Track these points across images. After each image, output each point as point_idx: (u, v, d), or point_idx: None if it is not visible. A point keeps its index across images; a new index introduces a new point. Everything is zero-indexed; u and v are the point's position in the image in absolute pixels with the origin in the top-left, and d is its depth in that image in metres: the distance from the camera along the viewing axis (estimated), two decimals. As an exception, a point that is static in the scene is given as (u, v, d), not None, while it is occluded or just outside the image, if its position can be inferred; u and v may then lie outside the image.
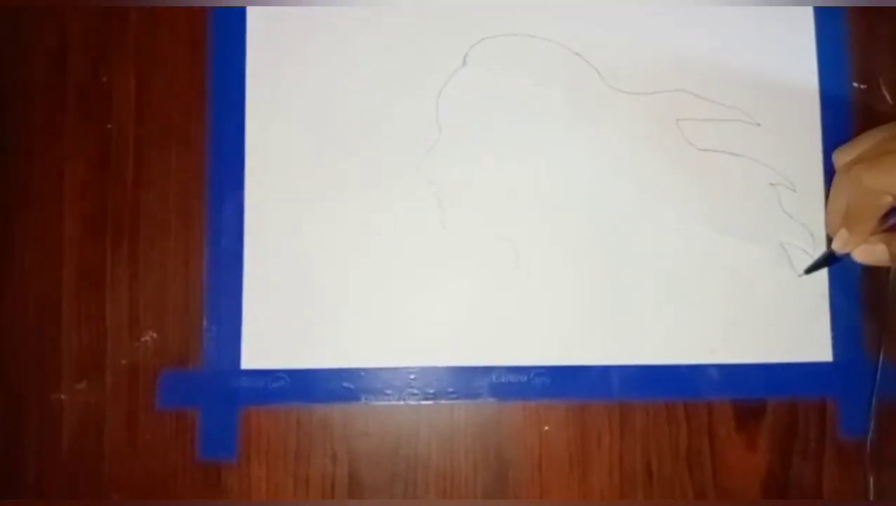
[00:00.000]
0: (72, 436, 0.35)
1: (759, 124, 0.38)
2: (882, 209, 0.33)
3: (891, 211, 0.33)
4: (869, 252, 0.34)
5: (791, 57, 0.39)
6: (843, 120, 0.38)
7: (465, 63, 0.37)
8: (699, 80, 0.38)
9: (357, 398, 0.35)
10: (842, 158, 0.35)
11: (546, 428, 0.36)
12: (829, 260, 0.36)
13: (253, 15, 0.37)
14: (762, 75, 0.38)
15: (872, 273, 0.37)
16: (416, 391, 0.36)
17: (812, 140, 0.38)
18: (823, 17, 0.39)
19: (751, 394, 0.37)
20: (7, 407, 0.35)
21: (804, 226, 0.37)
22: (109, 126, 0.36)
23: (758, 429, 0.37)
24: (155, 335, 0.35)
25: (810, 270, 0.37)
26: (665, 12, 0.38)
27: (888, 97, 0.39)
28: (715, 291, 0.37)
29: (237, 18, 0.37)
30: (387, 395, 0.35)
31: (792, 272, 0.37)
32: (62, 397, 0.35)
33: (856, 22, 0.39)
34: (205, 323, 0.35)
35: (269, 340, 0.35)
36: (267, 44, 0.37)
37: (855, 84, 0.39)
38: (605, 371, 0.36)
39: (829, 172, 0.37)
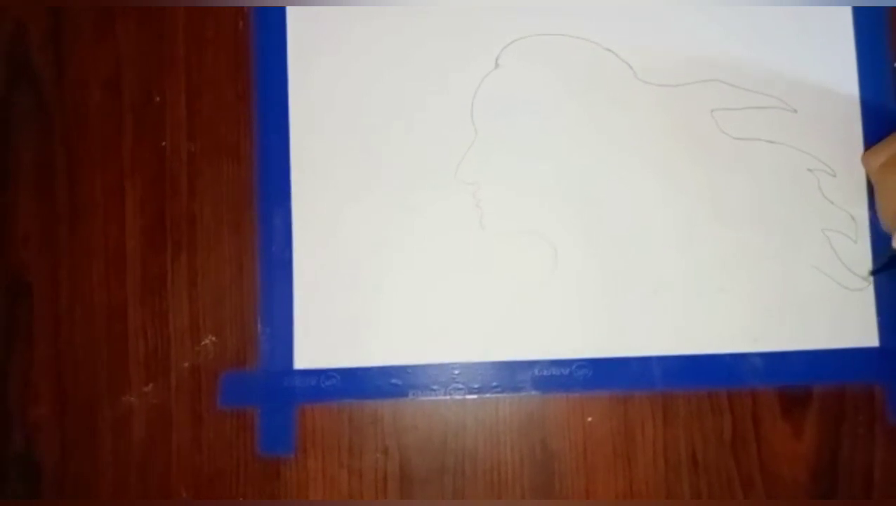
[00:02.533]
0: (141, 435, 0.36)
1: (795, 111, 0.37)
2: None
3: None
4: None
5: (827, 40, 0.37)
6: (882, 102, 0.37)
7: (497, 65, 0.37)
8: (732, 70, 0.37)
9: (405, 394, 0.36)
10: (874, 160, 0.33)
11: (589, 419, 0.36)
12: (894, 260, 0.34)
13: (292, 33, 0.37)
14: (797, 61, 0.37)
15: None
16: (461, 386, 0.36)
17: (852, 124, 0.37)
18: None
19: (795, 381, 0.36)
20: (83, 410, 0.36)
21: (845, 211, 0.36)
22: (164, 143, 0.37)
23: (804, 416, 0.36)
24: (214, 339, 0.36)
25: (877, 271, 0.35)
26: (694, 3, 0.37)
27: (930, 76, 0.37)
28: (756, 280, 0.36)
29: (278, 36, 0.37)
30: (433, 390, 0.36)
31: (834, 257, 0.36)
32: (132, 399, 0.36)
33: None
34: (259, 326, 0.36)
35: (319, 341, 0.36)
36: (306, 59, 0.37)
37: (895, 65, 0.37)
38: (646, 362, 0.36)
39: (870, 156, 0.35)
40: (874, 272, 0.35)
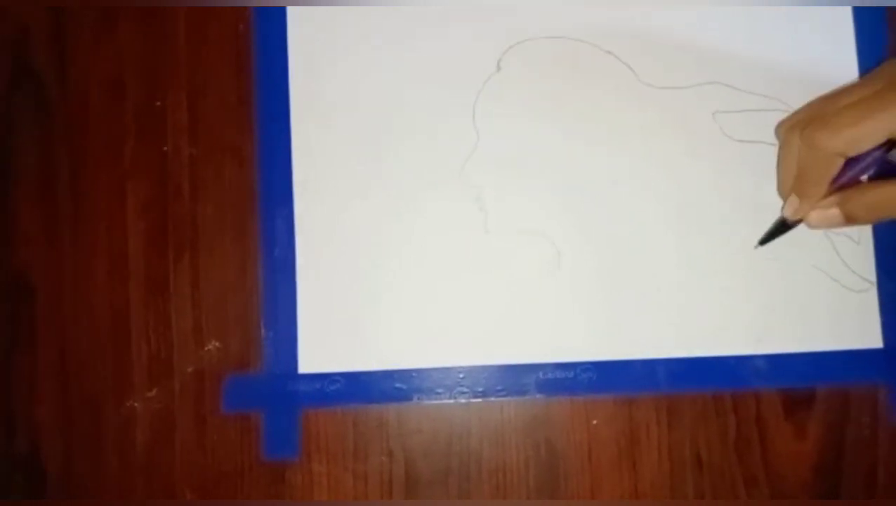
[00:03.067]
0: (145, 440, 0.36)
1: (798, 113, 0.36)
2: (834, 170, 0.31)
3: (841, 172, 0.31)
4: (822, 217, 0.32)
5: (828, 43, 0.37)
6: (885, 103, 0.37)
7: (499, 68, 0.37)
8: (734, 72, 0.37)
9: (410, 398, 0.35)
10: (784, 126, 0.33)
11: (594, 422, 0.36)
12: (783, 228, 0.34)
13: (293, 34, 0.37)
14: (799, 64, 0.37)
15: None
16: (465, 390, 0.36)
17: (854, 125, 0.36)
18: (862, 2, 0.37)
19: (799, 382, 0.36)
20: (86, 415, 0.36)
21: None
22: (165, 148, 0.37)
23: (808, 417, 0.36)
24: (217, 343, 0.36)
25: (764, 240, 0.35)
26: (696, 4, 0.37)
27: (932, 77, 0.37)
28: (758, 282, 0.36)
29: (278, 36, 0.37)
30: (438, 394, 0.36)
31: (837, 258, 0.36)
32: (135, 404, 0.36)
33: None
34: (263, 330, 0.36)
35: (323, 345, 0.36)
36: (308, 60, 0.37)
37: None
38: (650, 365, 0.35)
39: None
40: (762, 241, 0.35)
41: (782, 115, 0.36)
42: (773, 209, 0.35)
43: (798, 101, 0.36)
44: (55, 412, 0.36)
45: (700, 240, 0.36)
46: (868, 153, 0.30)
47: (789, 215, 0.33)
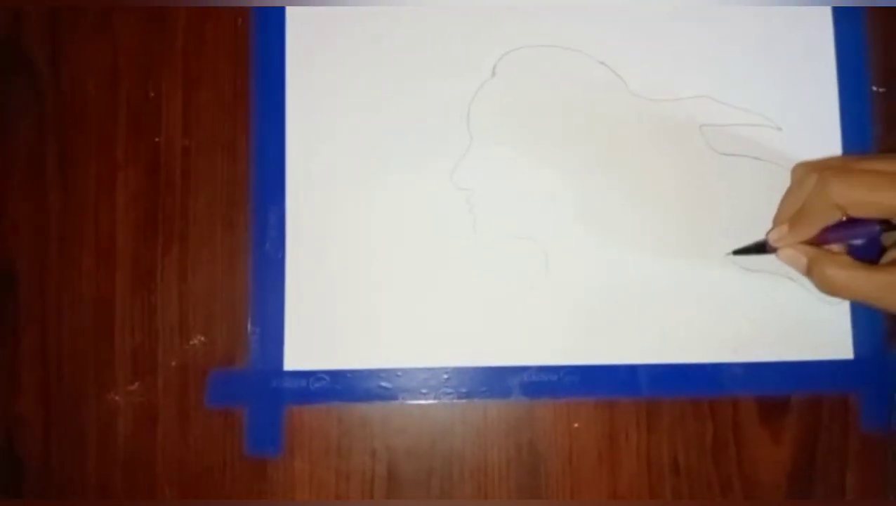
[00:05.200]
0: (127, 434, 0.34)
1: (780, 129, 0.37)
2: (830, 221, 0.31)
3: (835, 226, 0.31)
4: (792, 257, 0.32)
5: (811, 62, 0.37)
6: (862, 123, 0.37)
7: (494, 74, 0.36)
8: (721, 86, 0.37)
9: (394, 397, 0.35)
10: (804, 166, 0.33)
11: (576, 425, 0.35)
12: (759, 248, 0.34)
13: (292, 31, 0.36)
14: (783, 82, 0.37)
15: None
16: (450, 390, 0.35)
17: (832, 143, 0.37)
18: (842, 22, 0.38)
19: (774, 390, 0.36)
20: (67, 407, 0.34)
21: (825, 227, 0.36)
22: (158, 139, 0.36)
23: (782, 424, 0.36)
24: (203, 338, 0.35)
25: (739, 252, 0.35)
26: (688, 19, 0.37)
27: (906, 100, 0.37)
28: (736, 292, 0.36)
29: (277, 34, 0.36)
30: (423, 394, 0.35)
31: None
32: (117, 397, 0.34)
33: (874, 26, 0.38)
34: (249, 326, 0.35)
35: (310, 342, 0.35)
36: (305, 59, 0.36)
37: (874, 88, 0.37)
38: (632, 370, 0.35)
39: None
40: (737, 252, 0.35)
41: (766, 130, 0.37)
42: (752, 223, 0.35)
43: (781, 118, 0.37)
44: (35, 404, 0.34)
45: (682, 250, 0.36)
46: (865, 224, 0.31)
47: (772, 240, 0.33)
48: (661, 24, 0.37)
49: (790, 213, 0.32)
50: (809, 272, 0.32)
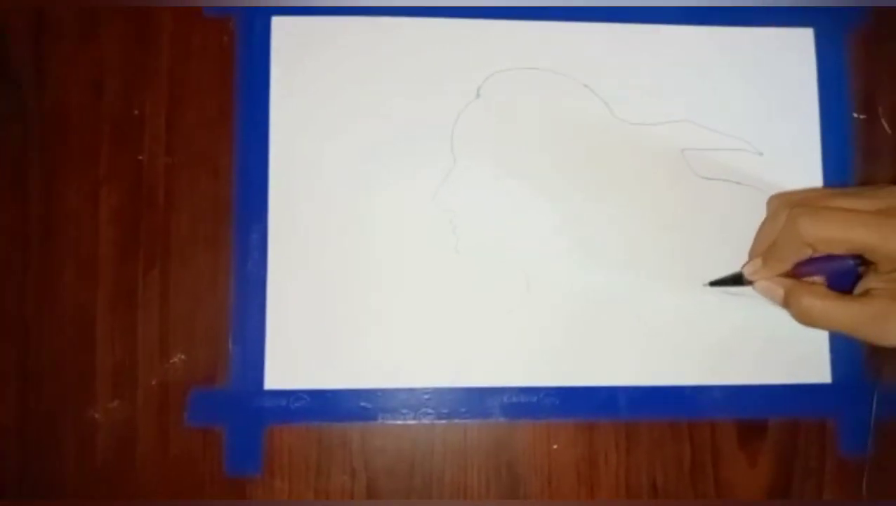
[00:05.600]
0: (105, 452, 0.34)
1: (761, 154, 0.37)
2: (801, 257, 0.31)
3: (809, 260, 0.31)
4: (768, 289, 0.33)
5: (792, 88, 0.38)
6: (842, 149, 0.37)
7: (478, 95, 0.36)
8: (704, 111, 0.37)
9: (374, 417, 0.35)
10: (779, 199, 0.33)
11: (555, 446, 0.35)
12: (736, 280, 0.34)
13: (276, 50, 0.36)
14: (764, 106, 0.37)
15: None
16: (430, 411, 0.35)
17: (813, 169, 0.37)
18: (824, 48, 0.38)
19: (752, 414, 0.36)
20: (45, 424, 0.34)
21: (805, 252, 0.36)
22: (141, 157, 0.36)
23: (760, 447, 0.36)
24: (183, 356, 0.35)
25: (716, 283, 0.35)
26: (670, 44, 0.37)
27: (887, 127, 0.38)
28: (716, 316, 0.36)
29: (261, 53, 0.36)
30: (403, 414, 0.35)
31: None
32: (96, 415, 0.34)
33: (856, 52, 0.38)
34: (230, 345, 0.35)
35: (290, 362, 0.35)
36: (289, 81, 0.36)
37: (855, 114, 0.38)
38: (612, 392, 0.35)
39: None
40: (713, 283, 0.35)
41: (748, 155, 0.37)
42: (732, 246, 0.35)
43: (762, 143, 0.37)
44: (12, 420, 0.34)
45: (662, 273, 0.36)
46: (838, 258, 0.31)
47: (747, 273, 0.33)
48: (644, 48, 0.37)
49: (764, 246, 0.32)
50: (786, 304, 0.32)
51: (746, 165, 0.37)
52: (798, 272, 0.32)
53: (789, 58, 0.38)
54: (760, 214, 0.36)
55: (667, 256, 0.36)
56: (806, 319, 0.31)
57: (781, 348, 0.36)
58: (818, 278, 0.32)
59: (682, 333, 0.36)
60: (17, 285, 0.35)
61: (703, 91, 0.37)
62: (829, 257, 0.31)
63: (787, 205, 0.31)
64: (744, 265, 0.34)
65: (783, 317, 0.36)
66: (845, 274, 0.31)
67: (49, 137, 0.36)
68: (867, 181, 0.37)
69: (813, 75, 0.37)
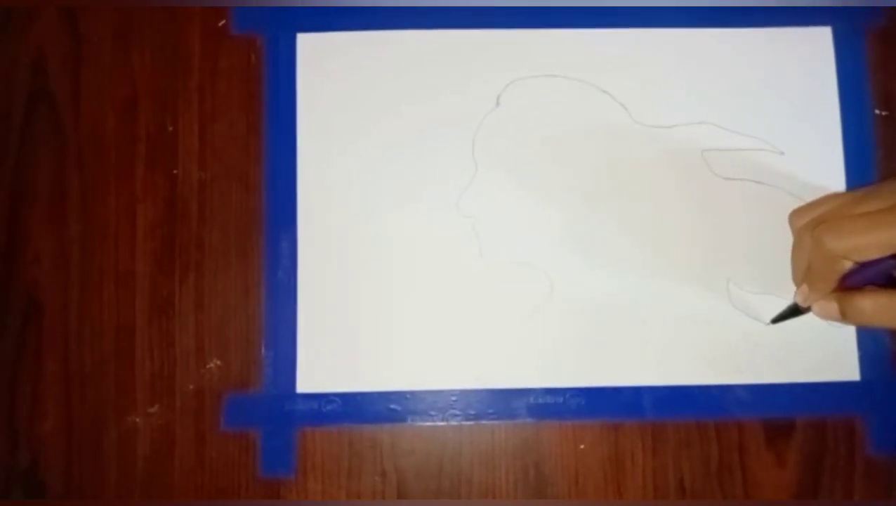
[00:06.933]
0: (146, 455, 0.35)
1: (782, 153, 0.37)
2: (840, 272, 0.31)
3: (851, 272, 0.31)
4: (824, 309, 0.32)
5: (812, 86, 0.37)
6: (864, 146, 0.37)
7: (498, 104, 0.37)
8: (723, 112, 0.37)
9: (403, 419, 0.35)
10: (799, 219, 0.33)
11: (582, 446, 0.35)
12: (794, 311, 0.34)
13: (302, 67, 0.37)
14: (784, 105, 0.37)
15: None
16: (458, 412, 0.35)
17: (835, 167, 0.37)
18: (843, 45, 0.38)
19: (780, 413, 0.36)
20: (88, 430, 0.36)
21: (828, 249, 0.36)
22: (175, 172, 0.37)
23: (787, 446, 0.36)
24: (219, 362, 0.36)
25: (777, 319, 0.35)
26: (688, 47, 0.37)
27: (909, 123, 0.37)
28: (740, 314, 0.36)
29: (288, 69, 0.37)
30: (431, 416, 0.35)
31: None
32: (137, 420, 0.35)
33: (874, 49, 0.38)
34: (263, 350, 0.36)
35: (321, 366, 0.35)
36: (315, 95, 0.37)
37: (876, 111, 0.37)
38: (637, 392, 0.35)
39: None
40: (774, 320, 0.35)
41: (769, 155, 0.37)
42: (754, 246, 0.35)
43: (783, 143, 0.37)
44: (57, 427, 0.36)
45: (686, 273, 0.36)
46: (879, 261, 0.30)
47: (799, 302, 0.33)
48: (662, 51, 0.37)
49: (802, 271, 0.32)
50: (843, 315, 0.31)
51: (768, 164, 0.37)
52: (845, 286, 0.31)
53: (808, 57, 0.38)
54: (782, 213, 0.36)
55: (690, 256, 0.36)
56: (863, 319, 0.31)
57: (808, 346, 0.36)
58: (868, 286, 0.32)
59: (706, 332, 0.36)
60: (59, 299, 0.36)
61: (722, 93, 0.37)
62: (869, 264, 0.30)
63: (809, 226, 0.31)
64: (795, 294, 0.33)
65: (810, 315, 0.35)
66: (889, 274, 0.31)
67: (86, 156, 0.37)
68: (890, 177, 0.37)
69: (832, 74, 0.37)
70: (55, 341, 0.36)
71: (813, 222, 0.31)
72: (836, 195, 0.32)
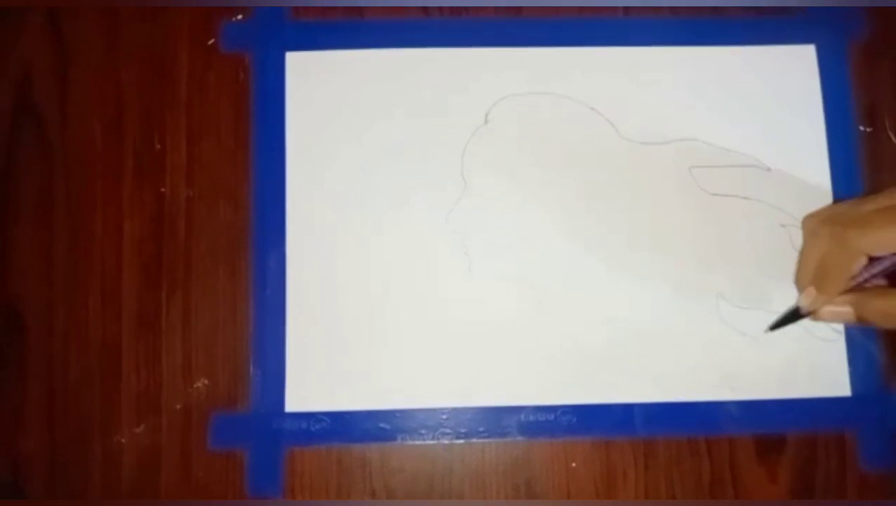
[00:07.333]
0: (131, 475, 0.35)
1: (769, 169, 0.37)
2: (856, 268, 0.31)
3: (862, 270, 0.31)
4: (835, 313, 0.32)
5: (798, 104, 0.38)
6: (850, 162, 0.37)
7: (486, 121, 0.37)
8: (710, 130, 0.37)
9: (393, 438, 0.35)
10: (814, 218, 0.33)
11: (573, 464, 0.35)
12: (794, 316, 0.33)
13: (291, 84, 0.37)
14: (771, 122, 0.38)
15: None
16: (448, 431, 0.35)
17: (821, 182, 0.37)
18: (826, 62, 0.38)
19: (771, 428, 0.36)
20: (72, 448, 0.35)
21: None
22: (163, 189, 0.37)
23: (779, 462, 0.35)
24: (206, 381, 0.35)
25: (775, 326, 0.34)
26: (674, 63, 0.38)
27: (894, 138, 0.38)
28: (731, 330, 0.36)
29: (276, 86, 0.37)
30: (421, 434, 0.35)
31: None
32: (122, 439, 0.35)
33: (858, 66, 0.38)
34: (251, 369, 0.35)
35: (310, 384, 0.35)
36: (303, 112, 0.37)
37: (861, 127, 0.38)
38: (628, 409, 0.35)
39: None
40: (773, 327, 0.34)
41: (756, 171, 0.37)
42: (743, 262, 0.35)
43: (770, 159, 0.37)
44: (40, 444, 0.35)
45: (675, 289, 0.36)
46: (887, 257, 0.31)
47: (805, 306, 0.32)
48: (649, 69, 0.38)
49: (810, 272, 0.32)
50: (860, 317, 0.31)
51: (755, 180, 0.37)
52: (852, 286, 0.31)
53: (793, 74, 0.38)
54: (770, 228, 0.36)
55: (679, 272, 0.36)
56: (888, 320, 0.30)
57: (799, 362, 0.36)
58: (880, 281, 0.32)
59: (695, 348, 0.36)
60: (44, 315, 0.36)
61: (709, 110, 0.37)
62: (877, 261, 0.30)
63: (826, 224, 0.31)
64: (798, 299, 0.33)
65: (800, 330, 0.36)
66: (891, 273, 0.31)
67: (73, 171, 0.37)
68: (876, 192, 0.37)
69: (817, 90, 0.38)
70: (39, 358, 0.35)
71: (831, 220, 0.31)
72: (839, 202, 0.33)
